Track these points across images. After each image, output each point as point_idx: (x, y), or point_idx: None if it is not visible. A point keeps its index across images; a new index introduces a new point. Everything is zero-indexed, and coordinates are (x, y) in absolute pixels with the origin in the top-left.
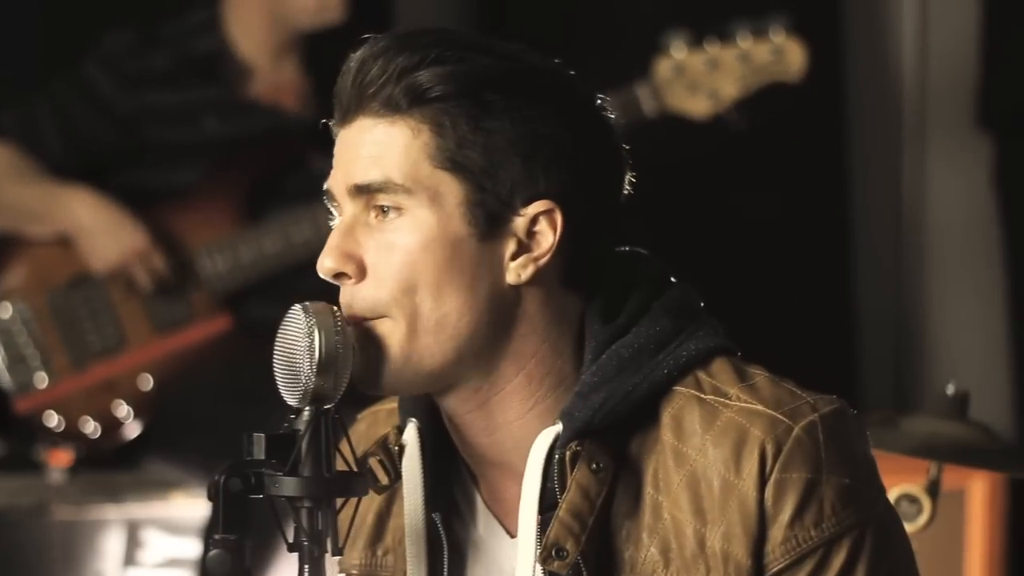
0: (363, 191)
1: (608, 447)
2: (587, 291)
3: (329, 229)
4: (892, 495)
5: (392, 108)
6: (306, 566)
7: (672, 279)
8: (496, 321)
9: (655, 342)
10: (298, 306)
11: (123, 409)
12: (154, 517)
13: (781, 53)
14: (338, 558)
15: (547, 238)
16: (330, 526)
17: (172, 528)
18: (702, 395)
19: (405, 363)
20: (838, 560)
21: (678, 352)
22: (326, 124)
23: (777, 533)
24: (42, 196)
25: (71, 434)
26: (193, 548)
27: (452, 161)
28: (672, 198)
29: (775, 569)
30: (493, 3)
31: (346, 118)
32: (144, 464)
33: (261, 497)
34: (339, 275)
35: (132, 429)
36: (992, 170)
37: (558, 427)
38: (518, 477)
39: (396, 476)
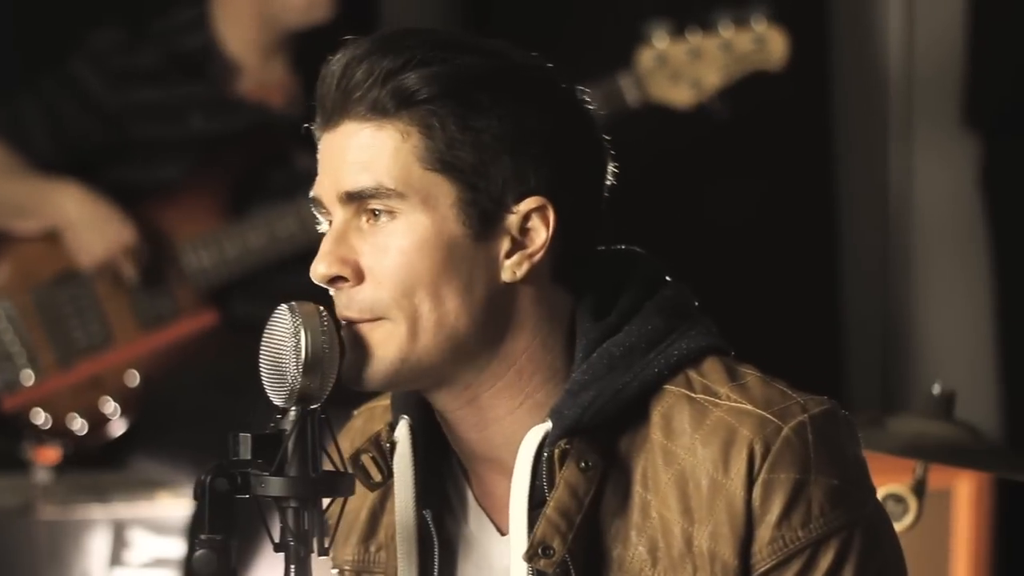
0: (355, 197)
1: (597, 445)
2: (577, 287)
3: (314, 223)
4: (878, 495)
5: (379, 112)
6: (292, 566)
7: (667, 278)
8: (492, 319)
9: (646, 341)
10: (284, 306)
11: (110, 406)
12: (140, 517)
13: (763, 42)
14: (330, 556)
15: (540, 234)
16: (316, 526)
17: (158, 528)
18: (692, 394)
19: (403, 363)
20: (825, 561)
21: (669, 351)
22: (308, 128)
23: (764, 533)
24: (29, 191)
25: (58, 431)
26: (179, 548)
27: (443, 162)
28: (656, 194)
29: (762, 569)
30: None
31: (330, 122)
32: (130, 463)
33: (247, 497)
34: (334, 280)
35: (119, 426)
36: (979, 169)
37: (547, 425)
38: (508, 473)
39: (388, 473)
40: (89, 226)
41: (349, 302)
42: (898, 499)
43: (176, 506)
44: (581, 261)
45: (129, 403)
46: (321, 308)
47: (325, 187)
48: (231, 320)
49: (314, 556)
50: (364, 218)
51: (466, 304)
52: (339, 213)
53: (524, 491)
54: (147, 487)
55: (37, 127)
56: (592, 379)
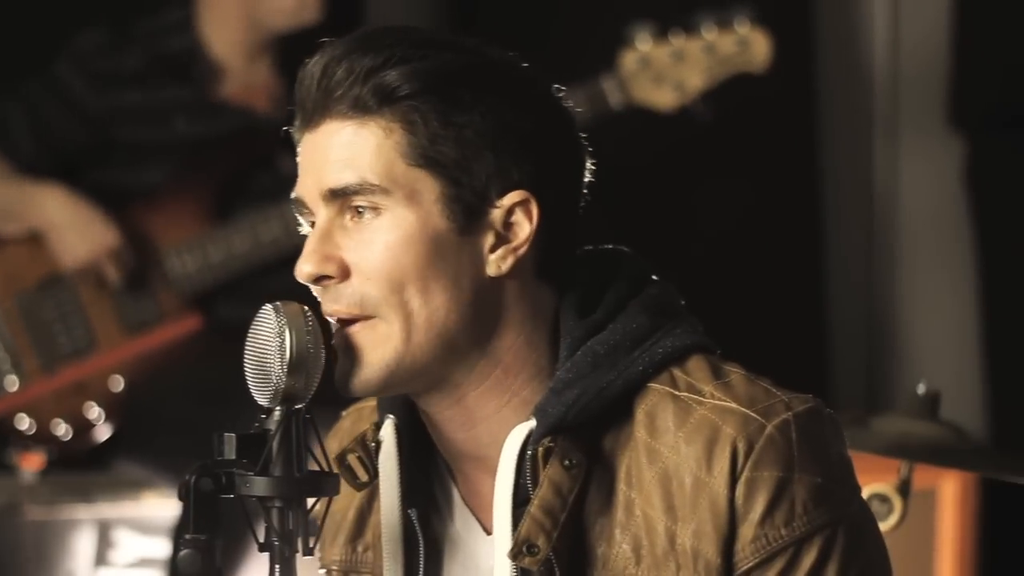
0: (338, 195)
1: (581, 443)
2: (561, 285)
3: (298, 228)
4: (863, 494)
5: (361, 109)
6: (277, 566)
7: (652, 277)
8: (479, 315)
9: (631, 339)
10: (269, 306)
11: (94, 411)
12: (125, 517)
13: (746, 44)
14: (318, 556)
15: (524, 228)
16: (301, 526)
17: (143, 528)
18: (676, 392)
19: (398, 364)
20: (808, 559)
21: (653, 349)
22: (288, 132)
23: (747, 531)
24: (13, 194)
25: (42, 437)
26: (164, 548)
27: (426, 158)
28: (641, 196)
29: (745, 567)
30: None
31: (311, 123)
32: (115, 465)
33: (232, 497)
34: (320, 278)
35: (103, 431)
36: (964, 168)
37: (532, 423)
38: (494, 472)
39: (374, 473)
40: (72, 229)
41: (337, 297)
42: (883, 499)
43: (161, 506)
44: (564, 257)
45: (113, 408)
46: (306, 308)
47: (308, 187)
48: (215, 324)
49: (299, 556)
50: (348, 216)
51: (454, 299)
52: (323, 212)
53: (508, 489)
54: (132, 487)
55: (21, 130)
56: (576, 377)
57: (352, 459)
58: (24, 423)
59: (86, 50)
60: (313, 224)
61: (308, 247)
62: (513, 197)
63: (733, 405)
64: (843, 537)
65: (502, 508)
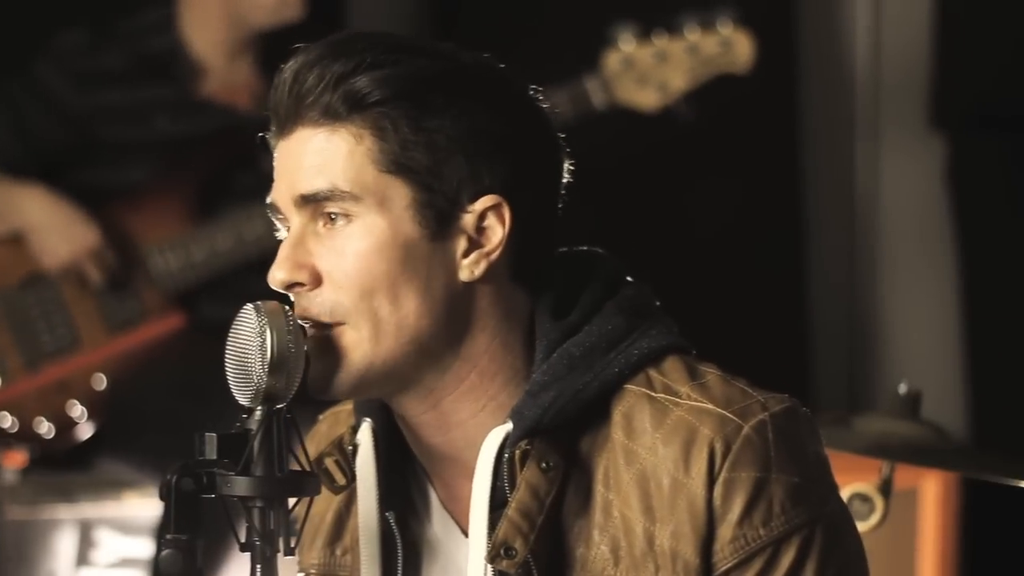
0: (310, 200)
1: (558, 446)
2: (535, 287)
3: (275, 232)
4: (844, 494)
5: (332, 116)
6: (258, 566)
7: (628, 278)
8: (452, 319)
9: (607, 340)
10: (250, 305)
11: (77, 409)
12: (107, 517)
13: (729, 45)
14: (297, 559)
15: (496, 232)
16: (282, 526)
17: (125, 528)
18: (653, 393)
19: (368, 369)
20: (787, 559)
21: (629, 351)
22: (263, 137)
23: (725, 532)
24: None
25: (25, 435)
26: (146, 548)
27: (397, 164)
28: (622, 196)
29: (723, 568)
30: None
31: (284, 129)
32: (97, 464)
33: (213, 497)
34: (292, 285)
35: (86, 429)
36: (945, 168)
37: (508, 426)
38: (471, 475)
39: (352, 476)
40: (53, 229)
41: (309, 304)
42: (864, 499)
43: (143, 506)
44: (539, 260)
45: (96, 407)
46: (287, 308)
47: (281, 192)
48: (199, 323)
49: (280, 556)
50: (321, 222)
51: (426, 304)
52: (296, 218)
53: (485, 492)
54: (114, 487)
55: (2, 130)
56: (552, 379)
57: (329, 463)
58: (7, 421)
59: (67, 49)
60: (288, 229)
61: (281, 254)
62: (485, 202)
63: (710, 406)
64: (821, 536)
65: (479, 511)
